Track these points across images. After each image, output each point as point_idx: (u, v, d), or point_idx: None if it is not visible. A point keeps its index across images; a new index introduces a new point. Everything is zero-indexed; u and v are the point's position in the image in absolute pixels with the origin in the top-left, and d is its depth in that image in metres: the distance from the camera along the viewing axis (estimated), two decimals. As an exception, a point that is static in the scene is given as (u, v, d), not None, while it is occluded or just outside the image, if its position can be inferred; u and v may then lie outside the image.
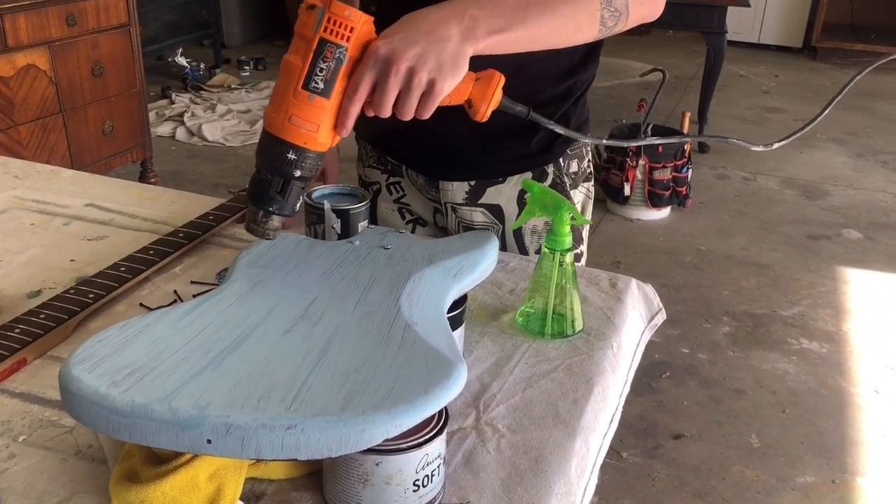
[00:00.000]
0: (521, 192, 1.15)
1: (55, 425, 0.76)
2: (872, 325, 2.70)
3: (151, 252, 1.04)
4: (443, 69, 0.75)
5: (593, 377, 0.86)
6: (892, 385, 2.39)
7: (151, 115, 4.12)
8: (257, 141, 0.78)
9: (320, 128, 0.75)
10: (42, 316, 0.89)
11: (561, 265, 0.90)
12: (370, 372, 0.63)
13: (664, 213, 3.45)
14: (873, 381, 2.41)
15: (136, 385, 0.61)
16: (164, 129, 4.20)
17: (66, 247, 1.10)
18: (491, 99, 0.81)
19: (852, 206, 3.63)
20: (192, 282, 1.02)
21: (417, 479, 0.65)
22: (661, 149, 3.25)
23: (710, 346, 2.55)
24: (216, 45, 5.26)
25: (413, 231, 1.25)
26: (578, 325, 0.93)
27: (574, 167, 1.17)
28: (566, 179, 1.15)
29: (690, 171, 3.39)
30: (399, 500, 0.65)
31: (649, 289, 1.07)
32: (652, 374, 2.40)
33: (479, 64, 0.80)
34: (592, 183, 1.22)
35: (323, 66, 0.73)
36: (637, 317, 1.02)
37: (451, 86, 0.76)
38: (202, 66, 5.08)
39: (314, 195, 1.03)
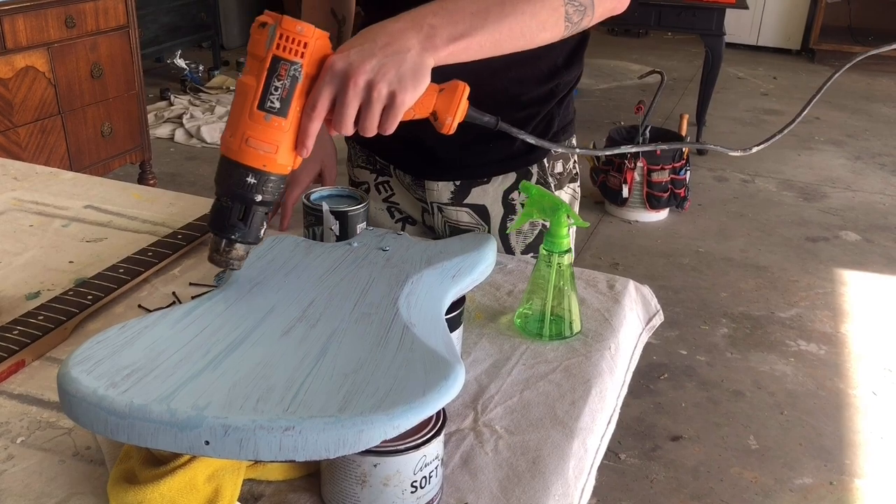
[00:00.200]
0: (506, 193, 1.15)
1: (53, 427, 0.76)
2: (870, 326, 2.71)
3: (150, 254, 1.04)
4: (403, 81, 0.73)
5: (591, 379, 0.86)
6: (889, 387, 2.39)
7: (150, 117, 4.12)
8: None
9: (279, 149, 0.73)
10: (41, 317, 0.89)
11: (559, 267, 0.91)
12: (368, 373, 0.63)
13: (662, 214, 3.45)
14: (871, 382, 2.41)
15: (134, 386, 0.61)
16: (162, 131, 4.20)
17: (65, 248, 1.10)
18: (457, 110, 0.79)
19: (850, 208, 3.63)
20: (190, 283, 1.02)
21: (415, 481, 0.65)
22: (659, 151, 3.25)
23: (708, 348, 2.55)
24: (215, 46, 5.26)
25: (402, 230, 1.25)
26: (576, 327, 0.93)
27: (559, 168, 1.17)
28: (551, 180, 1.16)
29: (689, 173, 3.39)
30: (397, 502, 0.65)
31: (647, 290, 1.07)
32: (650, 375, 2.40)
33: (458, 70, 0.79)
34: (578, 184, 1.22)
35: (278, 84, 0.71)
36: (635, 318, 1.02)
37: (413, 98, 0.74)
38: (201, 67, 5.08)
39: (312, 197, 1.03)
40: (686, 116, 3.72)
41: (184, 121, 4.30)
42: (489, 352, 0.90)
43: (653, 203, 3.35)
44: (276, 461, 0.58)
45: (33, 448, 0.73)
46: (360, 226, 1.01)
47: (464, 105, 0.80)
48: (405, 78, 0.73)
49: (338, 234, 1.00)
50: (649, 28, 4.91)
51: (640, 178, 3.30)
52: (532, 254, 1.17)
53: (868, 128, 4.67)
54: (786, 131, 0.91)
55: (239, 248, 0.76)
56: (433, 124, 0.80)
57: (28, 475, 0.70)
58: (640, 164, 3.26)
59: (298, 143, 0.74)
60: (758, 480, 2.01)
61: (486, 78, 0.89)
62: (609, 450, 0.79)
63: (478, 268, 0.86)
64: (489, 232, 1.17)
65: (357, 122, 0.74)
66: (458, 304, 0.82)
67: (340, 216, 1.00)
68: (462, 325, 0.85)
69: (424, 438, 0.64)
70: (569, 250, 0.91)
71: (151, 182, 3.30)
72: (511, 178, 1.15)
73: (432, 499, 0.67)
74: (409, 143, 1.11)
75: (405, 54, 0.73)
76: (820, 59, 6.00)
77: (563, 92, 1.13)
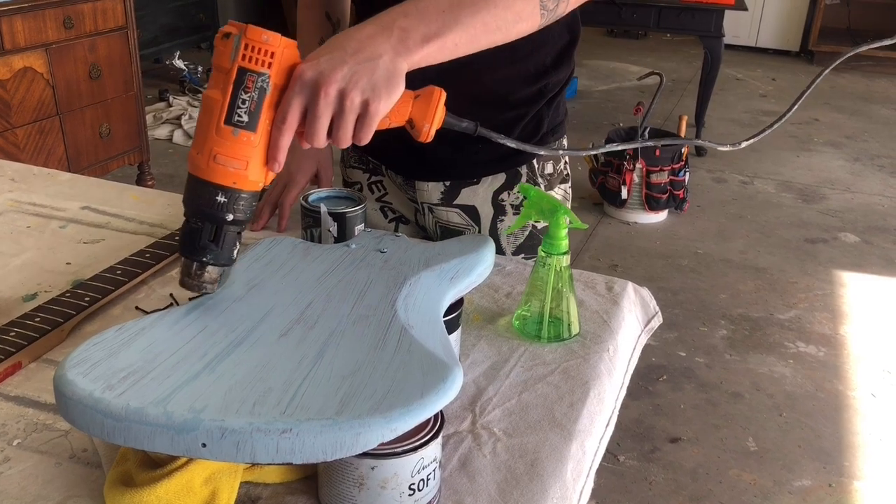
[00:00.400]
0: (496, 194, 1.15)
1: (50, 429, 0.76)
2: (869, 328, 2.70)
3: (148, 255, 1.03)
4: (377, 89, 0.70)
5: (589, 381, 0.86)
6: (888, 388, 2.39)
7: (149, 118, 4.12)
8: None
9: (249, 165, 0.70)
10: (37, 319, 0.88)
11: (557, 269, 0.90)
12: (366, 375, 0.63)
13: (661, 216, 3.45)
14: (870, 384, 2.41)
15: (131, 389, 0.61)
16: (161, 132, 4.20)
17: (62, 250, 1.10)
18: (434, 117, 0.76)
19: (849, 209, 3.63)
20: (188, 285, 1.02)
21: (413, 483, 0.65)
22: (658, 152, 3.25)
23: (707, 350, 2.55)
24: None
25: (396, 230, 1.26)
26: (575, 329, 0.93)
27: (549, 168, 1.17)
28: (541, 181, 1.16)
29: (688, 174, 3.39)
30: (395, 504, 0.65)
31: (646, 292, 1.07)
32: (649, 377, 2.40)
33: (445, 72, 0.78)
34: (570, 184, 1.22)
35: (245, 97, 0.68)
36: (634, 320, 1.02)
37: (388, 106, 0.71)
38: (200, 68, 5.07)
39: (310, 198, 1.03)
40: (685, 118, 3.72)
41: (182, 122, 4.30)
42: (487, 354, 0.90)
43: (652, 204, 3.35)
44: (274, 464, 0.58)
45: (30, 450, 0.73)
46: (358, 227, 1.00)
47: (441, 111, 0.77)
48: (378, 85, 0.70)
49: (336, 235, 1.00)
50: (648, 29, 4.91)
51: (639, 180, 3.30)
52: (522, 254, 1.17)
53: (867, 129, 4.68)
54: (776, 126, 0.91)
55: (212, 271, 0.73)
56: (410, 132, 0.78)
57: (24, 478, 0.70)
58: (639, 165, 3.26)
59: (269, 158, 0.71)
60: (756, 482, 2.01)
61: (473, 78, 0.89)
62: (608, 451, 0.79)
63: (476, 270, 0.86)
64: (479, 233, 1.17)
65: (330, 133, 0.71)
66: (457, 305, 0.82)
67: (338, 218, 0.99)
68: (460, 327, 0.85)
69: (422, 441, 0.64)
70: (567, 252, 0.91)
71: (150, 183, 3.30)
72: (501, 178, 1.15)
73: (430, 501, 0.67)
74: (399, 144, 1.12)
75: (377, 60, 0.70)
76: (819, 60, 6.00)
77: (551, 92, 1.13)
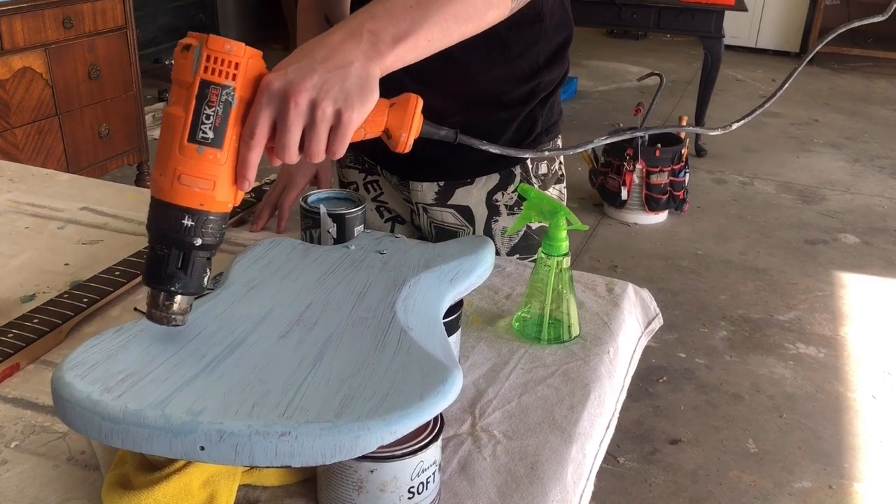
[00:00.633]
0: (490, 194, 1.15)
1: (48, 431, 0.75)
2: (869, 329, 2.70)
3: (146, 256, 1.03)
4: (349, 97, 0.66)
5: (590, 383, 0.85)
6: (889, 390, 2.39)
7: (148, 119, 4.11)
8: None
9: (217, 184, 0.65)
10: (36, 320, 0.88)
11: (557, 270, 0.90)
12: (365, 378, 0.63)
13: (661, 217, 3.45)
14: (870, 385, 2.41)
15: (129, 391, 0.60)
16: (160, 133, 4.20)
17: (61, 251, 1.09)
18: (411, 126, 0.73)
19: (849, 210, 3.63)
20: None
21: (412, 486, 0.64)
22: (658, 153, 3.25)
23: (707, 351, 2.55)
24: (213, 48, 5.25)
25: (392, 230, 1.25)
26: (575, 331, 0.93)
27: (543, 169, 1.16)
28: (535, 181, 1.15)
29: (688, 175, 3.39)
30: (394, 508, 0.64)
31: (646, 294, 1.07)
32: (649, 379, 2.40)
33: (437, 72, 0.76)
34: (565, 185, 1.22)
35: (209, 111, 0.64)
36: (634, 322, 1.02)
37: (362, 115, 0.68)
38: (199, 69, 5.07)
39: (310, 199, 1.02)
40: (685, 118, 3.72)
41: (182, 122, 4.29)
42: (487, 356, 0.89)
43: (652, 205, 3.34)
44: (272, 467, 0.58)
45: (27, 452, 0.73)
46: (358, 229, 1.00)
47: (418, 120, 0.74)
48: (351, 94, 0.66)
49: (335, 236, 0.99)
50: (648, 30, 4.91)
51: (639, 181, 3.30)
52: (517, 255, 1.17)
53: (867, 130, 4.67)
54: (766, 106, 0.90)
55: (181, 301, 0.67)
56: (387, 143, 0.74)
57: (22, 480, 0.69)
58: (638, 166, 3.26)
59: (238, 176, 0.66)
60: (756, 484, 2.00)
61: (465, 78, 0.88)
62: (608, 453, 0.78)
63: (476, 271, 0.86)
64: (474, 233, 1.17)
65: (301, 147, 0.67)
66: (456, 307, 0.82)
67: (338, 219, 0.99)
68: (460, 329, 0.85)
69: (422, 444, 0.64)
70: (567, 253, 0.91)
71: (149, 184, 3.29)
72: (495, 179, 1.15)
73: (430, 504, 0.67)
74: None
75: (348, 68, 0.67)
76: (819, 61, 6.00)
77: (544, 92, 1.12)
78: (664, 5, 3.84)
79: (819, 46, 0.87)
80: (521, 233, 1.17)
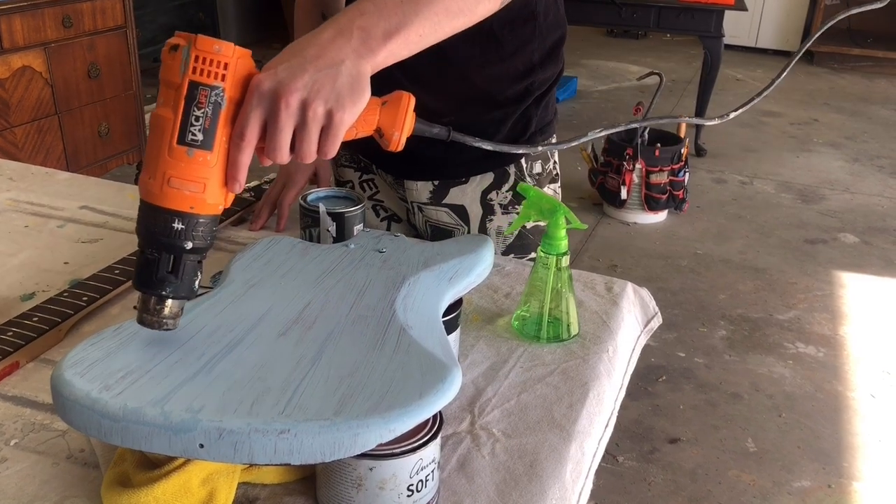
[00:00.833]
0: (485, 193, 1.15)
1: (47, 429, 0.75)
2: (869, 329, 2.70)
3: (146, 255, 1.03)
4: (341, 97, 0.65)
5: (589, 381, 0.86)
6: (888, 389, 2.39)
7: (147, 117, 4.11)
8: None
9: (207, 186, 0.64)
10: (35, 319, 0.88)
11: (557, 269, 0.90)
12: (364, 376, 0.63)
13: (661, 216, 3.45)
14: (870, 385, 2.41)
15: (128, 389, 0.60)
16: (160, 132, 4.20)
17: (60, 249, 1.09)
18: (403, 124, 0.73)
19: (849, 210, 3.63)
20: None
21: (412, 484, 0.64)
22: (657, 152, 3.25)
23: (706, 350, 2.55)
24: (213, 47, 5.25)
25: (388, 228, 1.26)
26: (574, 330, 0.93)
27: (538, 168, 1.16)
28: (529, 180, 1.15)
29: (687, 174, 3.39)
30: (393, 506, 0.64)
31: (645, 293, 1.07)
32: (648, 378, 2.40)
33: (431, 70, 0.76)
34: (559, 184, 1.22)
35: (198, 113, 0.63)
36: (633, 321, 1.02)
37: (354, 115, 0.67)
38: (199, 68, 5.07)
39: (309, 198, 1.02)
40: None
41: (182, 121, 4.29)
42: (486, 354, 0.89)
43: (651, 205, 3.34)
44: (272, 464, 0.58)
45: (27, 450, 0.73)
46: (357, 227, 1.00)
47: (411, 118, 0.73)
48: (342, 93, 0.65)
49: (334, 235, 0.99)
50: (648, 29, 4.90)
51: (639, 180, 3.30)
52: (513, 254, 1.17)
53: (866, 130, 4.67)
54: (764, 94, 0.90)
55: (172, 305, 0.66)
56: (379, 142, 0.74)
57: (22, 478, 0.69)
58: (638, 165, 3.26)
59: (229, 178, 0.65)
60: (756, 483, 2.01)
61: (460, 77, 0.88)
62: (607, 452, 0.78)
63: (475, 270, 0.86)
64: (468, 232, 1.17)
65: (292, 147, 0.66)
66: (456, 306, 0.82)
67: (337, 217, 0.99)
68: (459, 328, 0.85)
69: (421, 442, 0.64)
70: (566, 252, 0.91)
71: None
72: (489, 178, 1.15)
73: (429, 502, 0.67)
74: None
75: (339, 66, 0.66)
76: (819, 61, 6.00)
77: (539, 90, 1.12)
78: (664, 5, 3.84)
79: (822, 30, 0.87)
80: (516, 232, 1.17)
